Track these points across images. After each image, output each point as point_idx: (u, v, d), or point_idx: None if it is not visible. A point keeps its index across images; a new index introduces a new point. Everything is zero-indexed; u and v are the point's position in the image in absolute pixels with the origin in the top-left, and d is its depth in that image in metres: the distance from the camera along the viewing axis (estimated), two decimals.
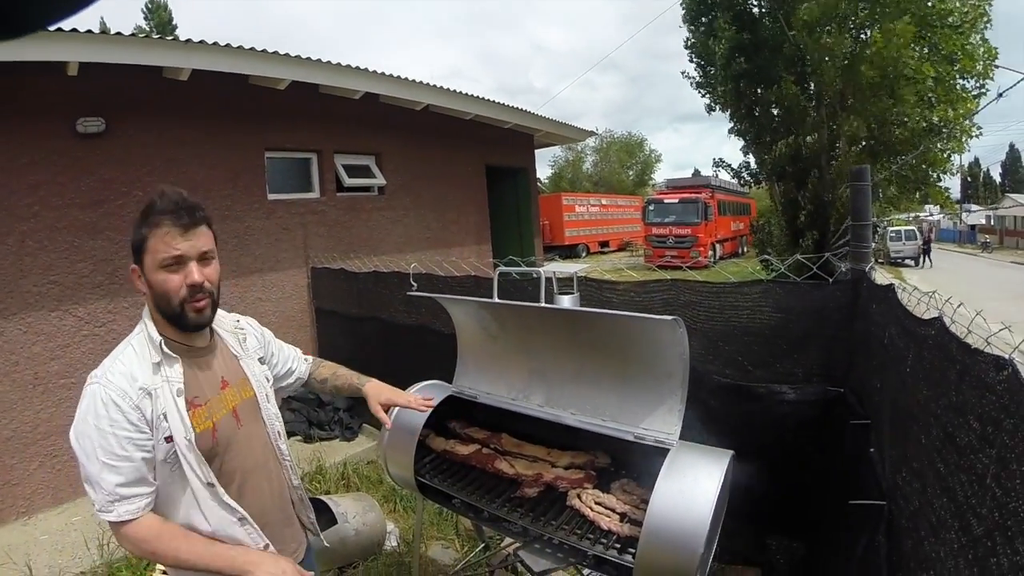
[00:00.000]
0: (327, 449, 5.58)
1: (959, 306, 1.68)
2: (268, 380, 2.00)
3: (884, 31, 13.09)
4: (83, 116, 5.09)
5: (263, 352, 2.06)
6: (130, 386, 1.59)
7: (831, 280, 2.88)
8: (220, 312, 1.93)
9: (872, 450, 2.08)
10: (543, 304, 2.30)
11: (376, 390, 2.25)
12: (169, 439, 1.61)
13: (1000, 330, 1.36)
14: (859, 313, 2.67)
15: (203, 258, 1.67)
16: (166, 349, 1.66)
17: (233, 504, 1.69)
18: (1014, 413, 1.07)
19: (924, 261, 30.70)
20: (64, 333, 5.00)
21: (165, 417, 1.60)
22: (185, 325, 1.68)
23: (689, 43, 18.26)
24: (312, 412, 5.98)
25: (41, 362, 4.86)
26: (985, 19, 14.19)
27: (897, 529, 1.64)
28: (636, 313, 2.19)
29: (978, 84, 14.83)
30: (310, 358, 2.32)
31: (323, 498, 3.81)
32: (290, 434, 5.79)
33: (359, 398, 2.27)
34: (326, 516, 3.69)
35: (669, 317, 1.94)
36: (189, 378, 1.69)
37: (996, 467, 1.09)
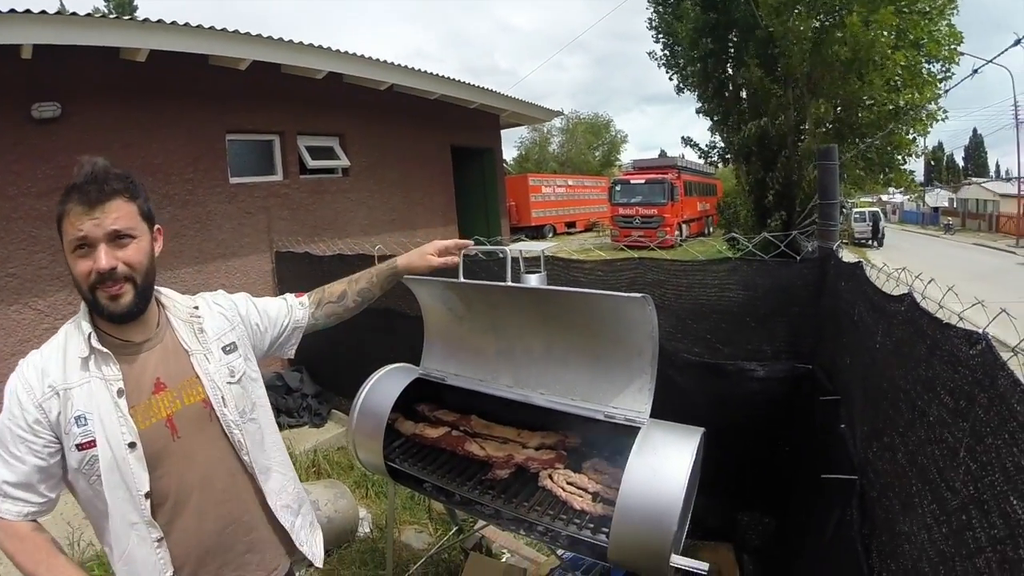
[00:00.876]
0: (296, 436, 5.50)
1: (929, 282, 1.67)
2: (234, 374, 1.70)
3: (861, 16, 13.23)
4: (38, 101, 4.94)
5: (235, 335, 1.77)
6: (38, 382, 1.45)
7: (798, 258, 2.88)
8: (176, 297, 1.73)
9: (843, 426, 2.09)
10: (509, 283, 2.25)
11: (410, 255, 2.21)
12: (85, 446, 1.43)
13: (972, 305, 1.35)
14: (827, 291, 2.68)
15: (117, 238, 1.45)
16: (96, 344, 1.48)
17: (153, 521, 1.49)
18: (988, 388, 1.06)
19: (872, 242, 31.11)
20: (24, 327, 4.86)
21: (81, 421, 1.43)
22: (101, 314, 1.49)
23: (653, 23, 18.25)
24: (280, 399, 5.89)
25: (1, 358, 4.70)
26: (953, 5, 14.48)
27: (870, 503, 1.64)
28: (604, 291, 2.16)
29: (943, 68, 15.14)
30: (305, 298, 2.06)
31: None
32: None
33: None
34: None
35: (638, 295, 1.91)
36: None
37: (971, 440, 1.08)
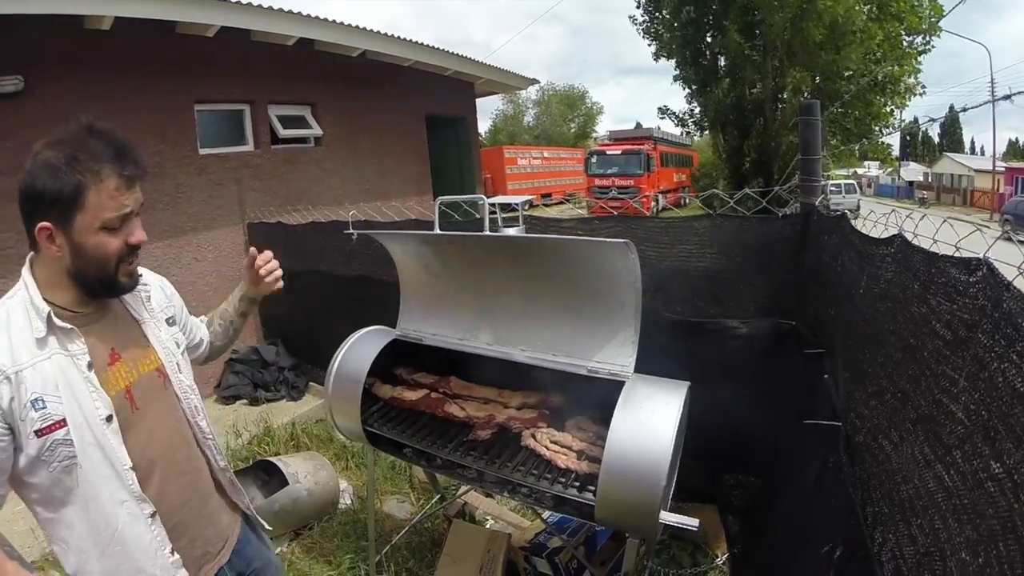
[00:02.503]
0: (274, 410, 5.41)
1: (922, 218, 1.62)
2: (179, 345, 1.69)
3: None
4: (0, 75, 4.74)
5: (173, 311, 1.74)
6: None
7: (780, 215, 2.84)
8: None
9: (826, 376, 2.05)
10: (487, 233, 2.18)
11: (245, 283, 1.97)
12: (45, 430, 1.31)
13: (970, 233, 1.30)
14: (809, 246, 2.64)
15: (137, 214, 1.44)
16: (59, 321, 1.37)
17: (143, 495, 1.43)
18: (991, 312, 1.01)
19: None
20: None
21: (38, 404, 1.31)
22: (115, 290, 1.47)
23: None
24: (256, 374, 5.81)
25: None
26: None
27: (857, 448, 1.60)
28: (585, 237, 2.09)
29: (924, 41, 15.33)
30: (203, 316, 2.01)
31: (272, 459, 3.68)
32: (235, 398, 5.69)
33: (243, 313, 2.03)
34: (277, 478, 3.57)
35: (620, 240, 1.85)
36: None
37: (973, 368, 1.03)
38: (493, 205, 2.34)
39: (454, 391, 2.64)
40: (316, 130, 7.49)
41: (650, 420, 1.83)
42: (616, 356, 2.12)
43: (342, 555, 3.32)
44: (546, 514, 2.93)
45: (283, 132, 7.06)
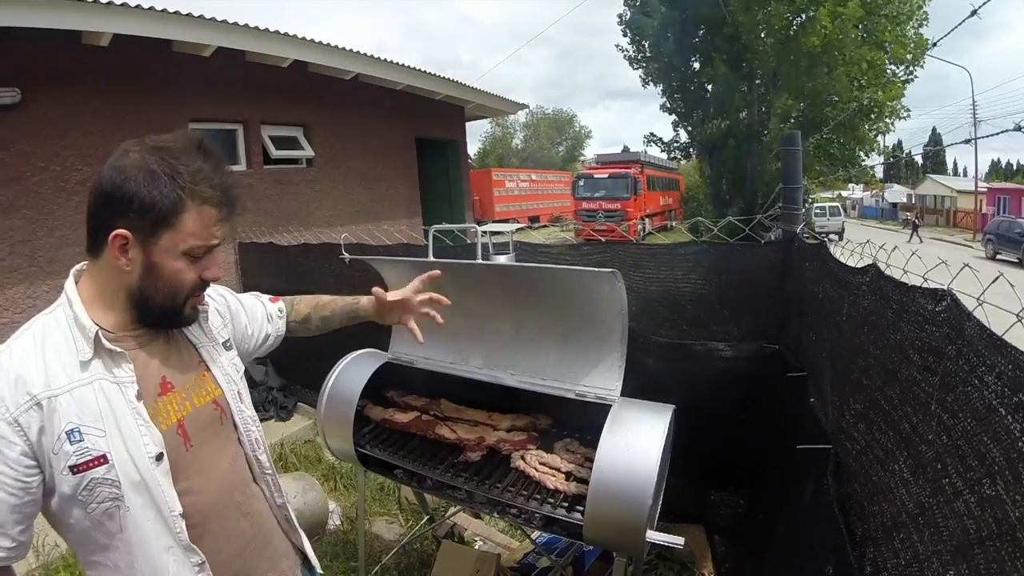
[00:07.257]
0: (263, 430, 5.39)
1: (894, 250, 1.70)
2: (238, 371, 1.51)
3: (830, 9, 13.68)
4: None
5: (229, 332, 1.57)
6: (12, 392, 1.12)
7: (763, 242, 2.91)
8: None
9: (812, 400, 2.11)
10: (479, 261, 2.24)
11: (378, 301, 1.78)
12: (82, 467, 1.14)
13: (936, 266, 1.37)
14: (791, 272, 2.71)
15: None
16: (108, 343, 1.21)
17: (191, 545, 1.26)
18: (955, 339, 1.08)
19: None
20: None
21: (74, 436, 1.14)
22: (177, 322, 1.32)
23: (625, 18, 18.59)
24: None
25: None
26: (922, 13, 15.15)
27: (845, 469, 1.66)
28: (574, 266, 2.15)
29: (907, 71, 15.75)
30: (281, 304, 1.81)
31: None
32: None
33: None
34: None
35: (608, 270, 1.91)
36: None
37: (941, 393, 1.10)
38: (484, 233, 2.40)
39: (445, 413, 2.67)
40: (308, 151, 7.59)
41: (636, 442, 1.89)
42: (603, 380, 2.18)
43: None
44: (535, 534, 2.96)
45: (275, 153, 7.15)
